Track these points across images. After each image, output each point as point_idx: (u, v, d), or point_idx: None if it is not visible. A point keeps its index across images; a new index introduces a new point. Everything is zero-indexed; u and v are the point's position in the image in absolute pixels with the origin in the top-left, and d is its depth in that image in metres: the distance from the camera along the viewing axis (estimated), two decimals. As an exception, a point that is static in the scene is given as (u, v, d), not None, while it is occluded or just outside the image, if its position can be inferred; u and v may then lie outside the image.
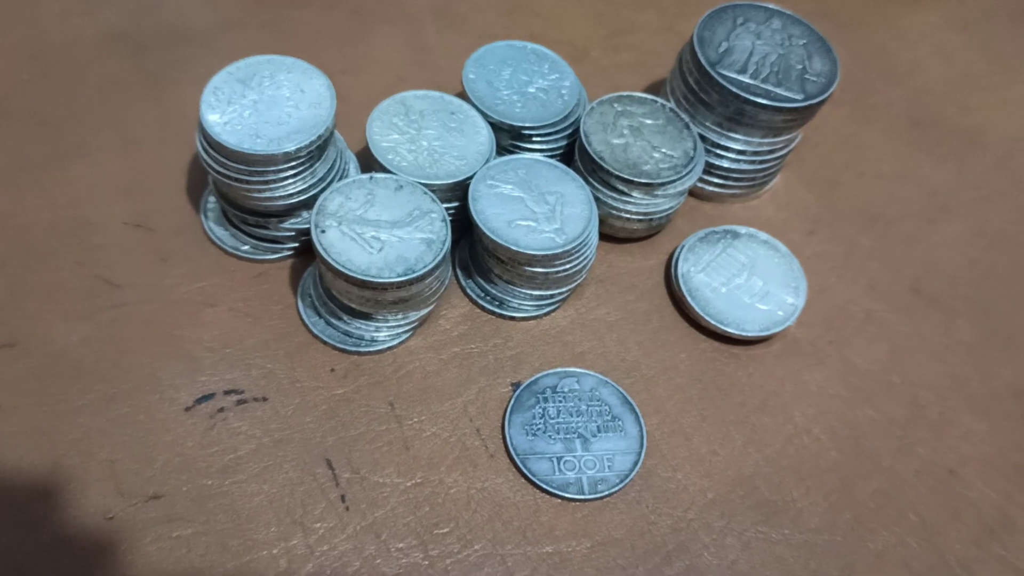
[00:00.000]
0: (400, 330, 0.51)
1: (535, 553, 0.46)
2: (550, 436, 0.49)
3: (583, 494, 0.47)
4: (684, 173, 0.53)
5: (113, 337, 0.50)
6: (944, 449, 0.52)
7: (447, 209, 0.51)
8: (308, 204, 0.51)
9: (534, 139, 0.55)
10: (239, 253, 0.54)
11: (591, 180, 0.54)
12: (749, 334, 0.53)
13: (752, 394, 0.53)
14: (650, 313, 0.55)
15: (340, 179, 0.51)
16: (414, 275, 0.46)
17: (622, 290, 0.56)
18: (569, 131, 0.56)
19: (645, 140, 0.54)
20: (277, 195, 0.49)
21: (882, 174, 0.65)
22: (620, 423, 0.50)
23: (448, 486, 0.47)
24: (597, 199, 0.53)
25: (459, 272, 0.54)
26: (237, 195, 0.50)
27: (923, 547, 0.48)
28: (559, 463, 0.48)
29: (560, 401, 0.50)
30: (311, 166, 0.49)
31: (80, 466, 0.46)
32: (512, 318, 0.53)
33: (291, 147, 0.47)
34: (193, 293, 0.52)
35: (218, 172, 0.49)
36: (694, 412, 0.51)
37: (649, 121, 0.55)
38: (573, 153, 0.56)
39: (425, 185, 0.49)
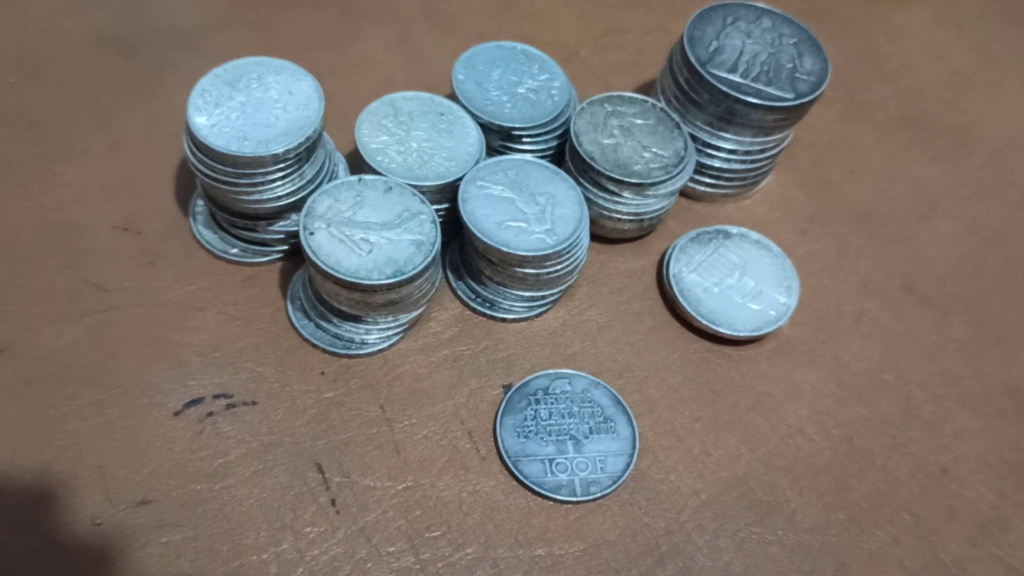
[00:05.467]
0: (390, 332, 0.51)
1: (527, 556, 0.45)
2: (542, 438, 0.48)
3: (575, 496, 0.47)
4: (675, 173, 0.53)
5: (101, 341, 0.50)
6: (938, 448, 0.52)
7: (437, 210, 0.50)
8: (297, 206, 0.50)
9: (524, 140, 0.55)
10: (228, 256, 0.54)
11: (582, 180, 0.53)
12: (741, 334, 0.53)
13: (745, 394, 0.52)
14: (642, 314, 0.55)
15: (329, 181, 0.51)
16: (404, 277, 0.45)
17: (614, 291, 0.56)
18: (559, 132, 0.55)
19: (636, 140, 0.54)
20: (265, 198, 0.49)
21: (873, 172, 0.65)
22: (612, 424, 0.49)
23: (439, 489, 0.47)
24: (588, 199, 0.53)
25: (449, 274, 0.54)
26: (225, 198, 0.50)
27: (918, 546, 0.48)
28: (551, 465, 0.48)
29: (552, 403, 0.50)
30: (299, 168, 0.49)
31: (69, 471, 0.46)
32: (503, 320, 0.53)
33: (279, 149, 0.47)
34: (182, 297, 0.52)
35: (206, 175, 0.48)
36: (687, 413, 0.51)
37: (640, 121, 0.55)
38: (563, 154, 0.55)
39: (414, 186, 0.49)
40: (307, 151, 0.49)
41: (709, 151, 0.57)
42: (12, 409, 0.47)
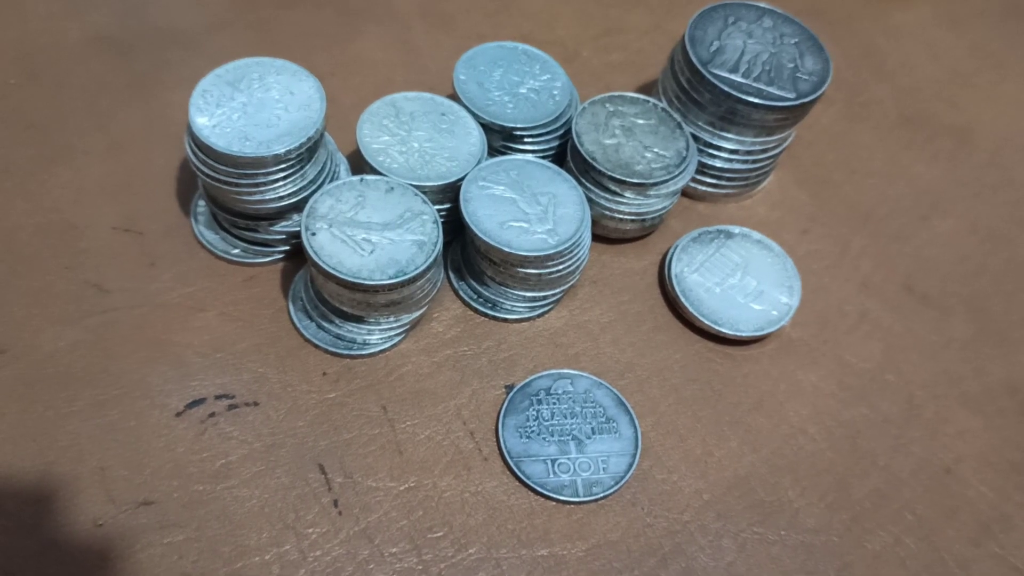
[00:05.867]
0: (392, 333, 0.51)
1: (530, 556, 0.45)
2: (544, 438, 0.48)
3: (578, 496, 0.47)
4: (676, 173, 0.53)
5: (102, 342, 0.50)
6: (940, 447, 0.52)
7: (439, 211, 0.50)
8: (298, 207, 0.50)
9: (525, 140, 0.55)
10: (229, 257, 0.53)
11: (583, 180, 0.53)
12: (743, 334, 0.53)
13: (747, 394, 0.52)
14: (644, 314, 0.55)
15: (330, 181, 0.51)
16: (405, 277, 0.45)
17: (615, 291, 0.56)
18: (561, 132, 0.55)
19: (637, 140, 0.54)
20: (267, 198, 0.49)
21: (874, 172, 0.65)
22: (614, 425, 0.49)
23: (442, 490, 0.47)
24: (589, 200, 0.53)
25: (451, 274, 0.54)
26: (227, 198, 0.50)
27: (920, 546, 0.48)
28: (553, 465, 0.48)
29: (554, 403, 0.50)
30: (301, 168, 0.49)
31: (70, 472, 0.45)
32: (505, 320, 0.53)
33: (281, 150, 0.47)
34: (183, 297, 0.52)
35: (207, 175, 0.48)
36: (689, 413, 0.51)
37: (641, 121, 0.55)
38: (565, 154, 0.55)
39: (416, 187, 0.49)
40: (309, 151, 0.49)
41: (711, 151, 0.57)
42: (12, 411, 0.47)
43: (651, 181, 0.52)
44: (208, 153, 0.47)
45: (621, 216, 0.54)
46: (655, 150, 0.54)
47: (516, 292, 0.52)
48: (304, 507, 0.46)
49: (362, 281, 0.45)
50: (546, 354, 0.52)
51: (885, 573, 0.47)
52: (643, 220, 0.55)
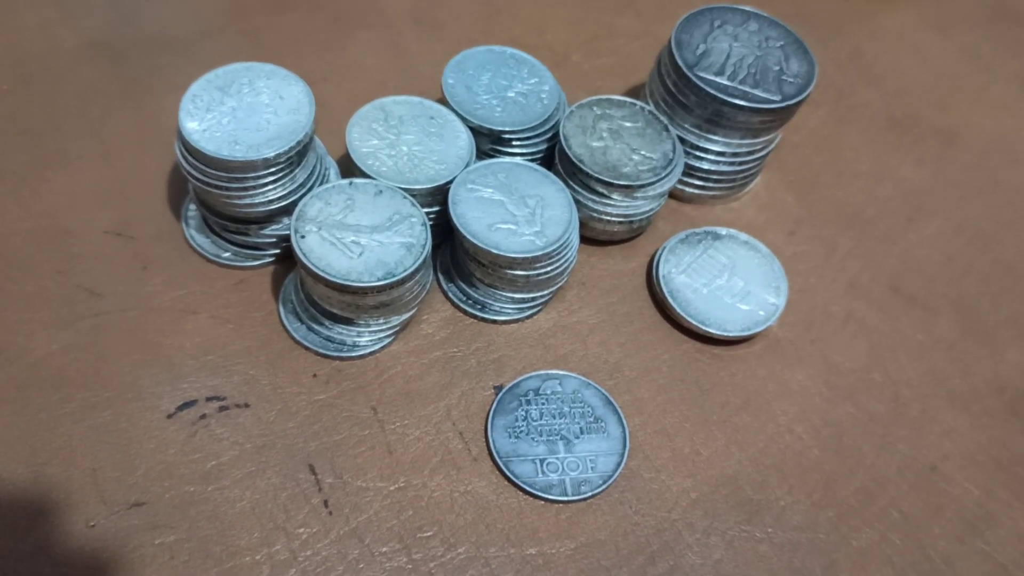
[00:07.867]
0: (382, 335, 0.51)
1: (519, 555, 0.46)
2: (533, 438, 0.49)
3: (566, 496, 0.47)
4: (663, 175, 0.53)
5: (94, 345, 0.50)
6: (925, 446, 0.52)
7: (427, 213, 0.51)
8: (288, 210, 0.51)
9: (514, 143, 0.55)
10: (220, 260, 0.54)
11: (571, 183, 0.54)
12: (731, 334, 0.53)
13: (734, 394, 0.53)
14: (632, 315, 0.55)
15: (320, 185, 0.51)
16: (394, 279, 0.46)
17: (604, 292, 0.56)
18: (549, 135, 0.56)
19: (624, 143, 0.54)
20: (257, 201, 0.49)
21: (861, 174, 0.65)
22: (603, 424, 0.50)
23: (431, 489, 0.47)
24: (577, 202, 0.53)
25: (440, 276, 0.55)
26: (217, 202, 0.50)
27: (906, 543, 0.48)
28: (542, 465, 0.48)
29: (543, 403, 0.50)
30: (291, 172, 0.49)
31: (62, 474, 0.46)
32: (494, 321, 0.54)
33: (270, 153, 0.47)
34: (174, 301, 0.52)
35: (198, 179, 0.48)
36: (677, 413, 0.52)
37: (628, 124, 0.56)
38: (553, 157, 0.56)
39: (405, 190, 0.50)
40: (298, 155, 0.49)
41: (697, 153, 0.58)
42: (5, 413, 0.48)
43: (638, 183, 0.53)
44: (198, 157, 0.48)
45: (609, 218, 0.54)
46: (642, 152, 0.54)
47: (505, 294, 0.52)
48: (294, 507, 0.46)
49: (351, 283, 0.45)
50: (535, 355, 0.53)
51: (871, 570, 0.47)
52: (631, 222, 0.55)
